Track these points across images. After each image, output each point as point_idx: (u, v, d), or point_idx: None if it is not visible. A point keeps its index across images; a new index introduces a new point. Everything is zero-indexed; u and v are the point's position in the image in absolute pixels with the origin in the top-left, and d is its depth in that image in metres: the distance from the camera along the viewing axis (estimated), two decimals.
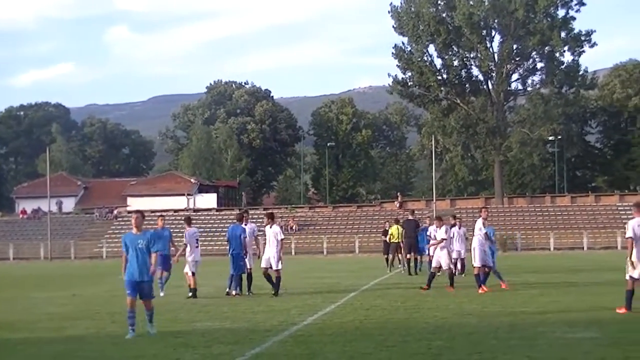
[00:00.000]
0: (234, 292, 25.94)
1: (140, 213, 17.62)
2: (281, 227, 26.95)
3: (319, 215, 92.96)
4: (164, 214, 32.14)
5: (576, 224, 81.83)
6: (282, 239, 26.10)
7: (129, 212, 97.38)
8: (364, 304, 22.32)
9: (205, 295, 26.42)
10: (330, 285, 30.00)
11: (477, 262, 26.19)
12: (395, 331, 16.39)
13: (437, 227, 27.84)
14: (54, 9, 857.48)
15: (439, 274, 28.22)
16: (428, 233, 35.26)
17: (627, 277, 18.95)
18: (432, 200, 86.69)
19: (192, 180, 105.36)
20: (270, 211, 28.48)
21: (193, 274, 26.13)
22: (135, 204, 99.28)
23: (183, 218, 29.01)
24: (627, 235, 18.88)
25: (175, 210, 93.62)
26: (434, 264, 27.92)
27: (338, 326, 17.48)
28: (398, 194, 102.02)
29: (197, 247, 26.65)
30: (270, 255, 25.80)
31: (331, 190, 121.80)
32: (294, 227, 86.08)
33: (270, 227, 25.97)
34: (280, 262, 25.81)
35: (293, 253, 75.54)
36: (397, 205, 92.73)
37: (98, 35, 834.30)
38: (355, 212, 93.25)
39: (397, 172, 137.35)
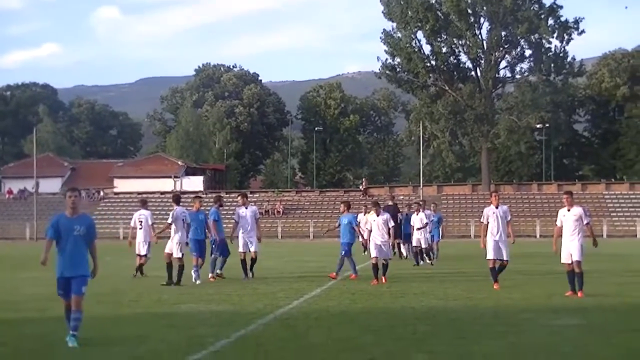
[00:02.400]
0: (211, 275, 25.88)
1: (78, 191, 13.89)
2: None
3: (306, 200, 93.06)
4: (189, 196, 28.86)
5: None
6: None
7: (116, 193, 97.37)
8: (349, 289, 22.32)
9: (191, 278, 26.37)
10: (317, 270, 30.01)
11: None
12: (380, 316, 16.40)
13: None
14: None
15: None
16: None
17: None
18: (419, 186, 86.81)
19: (179, 162, 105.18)
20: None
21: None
22: (122, 185, 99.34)
23: (172, 197, 28.20)
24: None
25: (162, 192, 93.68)
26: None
27: (323, 310, 17.47)
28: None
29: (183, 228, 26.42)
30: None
31: (318, 175, 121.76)
32: (280, 211, 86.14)
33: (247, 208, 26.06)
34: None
35: (279, 237, 75.60)
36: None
37: (85, 16, 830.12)
38: (342, 197, 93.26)
39: (385, 157, 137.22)
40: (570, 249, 19.83)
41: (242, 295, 20.80)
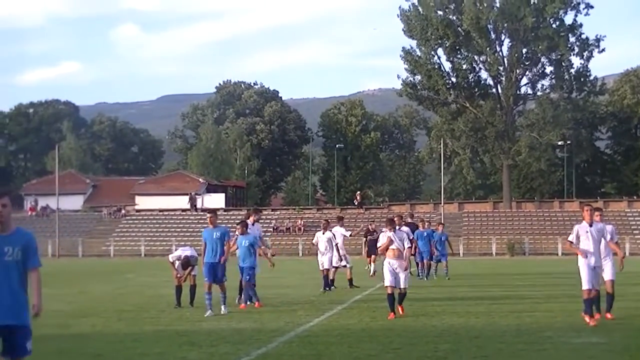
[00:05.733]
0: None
1: (6, 196, 9.27)
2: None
3: (327, 217, 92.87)
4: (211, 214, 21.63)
5: None
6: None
7: (137, 210, 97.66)
8: (370, 306, 22.29)
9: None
10: (337, 287, 29.98)
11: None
12: (401, 334, 16.37)
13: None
14: (61, 6, 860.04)
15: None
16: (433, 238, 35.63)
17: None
18: (440, 203, 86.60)
19: (200, 179, 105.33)
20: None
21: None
22: (143, 202, 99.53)
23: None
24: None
25: (183, 210, 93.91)
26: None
27: (344, 328, 17.47)
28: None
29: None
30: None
31: (339, 192, 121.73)
32: (301, 228, 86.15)
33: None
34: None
35: (300, 254, 75.55)
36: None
37: (106, 34, 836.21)
38: (363, 215, 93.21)
39: (406, 175, 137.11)
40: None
41: (263, 313, 20.84)
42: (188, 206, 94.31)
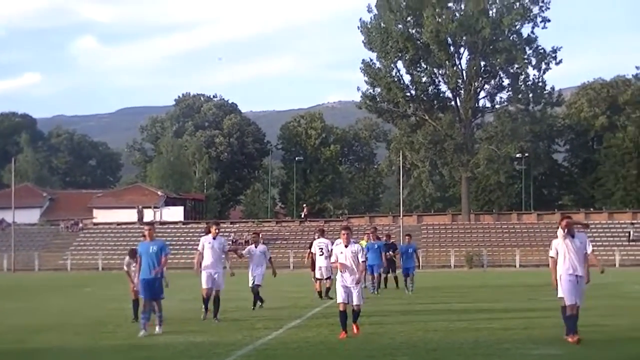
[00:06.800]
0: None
1: None
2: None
3: (286, 230, 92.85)
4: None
5: (542, 241, 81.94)
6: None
7: (95, 224, 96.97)
8: (329, 319, 22.26)
9: (170, 308, 26.26)
10: (296, 300, 29.97)
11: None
12: (360, 346, 16.37)
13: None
14: (18, 18, 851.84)
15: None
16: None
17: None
18: (399, 216, 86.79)
19: (158, 192, 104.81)
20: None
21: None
22: (101, 215, 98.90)
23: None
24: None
25: (141, 223, 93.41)
26: None
27: (303, 340, 17.44)
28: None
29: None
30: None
31: (298, 205, 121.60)
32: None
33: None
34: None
35: None
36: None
37: (64, 46, 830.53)
38: (322, 227, 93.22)
39: (365, 187, 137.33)
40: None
41: (221, 327, 20.74)
42: (136, 220, 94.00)
